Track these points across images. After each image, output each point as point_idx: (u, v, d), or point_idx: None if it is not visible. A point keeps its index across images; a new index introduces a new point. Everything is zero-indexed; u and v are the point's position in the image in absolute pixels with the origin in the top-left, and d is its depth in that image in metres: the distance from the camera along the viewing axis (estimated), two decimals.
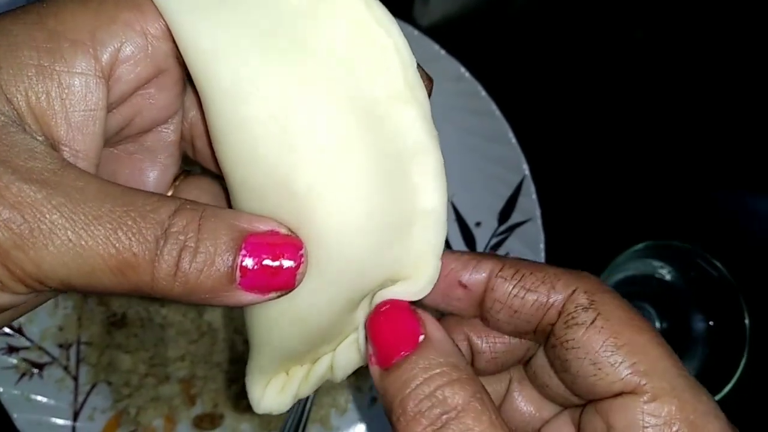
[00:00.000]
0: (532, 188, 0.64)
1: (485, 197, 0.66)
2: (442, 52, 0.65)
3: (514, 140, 0.65)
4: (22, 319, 0.60)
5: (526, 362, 0.31)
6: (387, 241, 0.26)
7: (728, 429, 0.25)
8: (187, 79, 0.28)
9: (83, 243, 0.22)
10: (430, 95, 0.27)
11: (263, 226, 0.24)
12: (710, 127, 0.70)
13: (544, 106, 0.70)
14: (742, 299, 0.55)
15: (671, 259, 0.61)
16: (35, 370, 0.59)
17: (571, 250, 0.66)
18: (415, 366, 0.25)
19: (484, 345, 0.30)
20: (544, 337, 0.28)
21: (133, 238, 0.22)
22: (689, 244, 0.58)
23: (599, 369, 0.25)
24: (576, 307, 0.26)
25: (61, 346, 0.60)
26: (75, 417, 0.58)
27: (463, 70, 0.65)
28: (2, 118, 0.23)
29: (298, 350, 0.29)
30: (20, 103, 0.23)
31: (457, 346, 0.26)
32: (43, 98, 0.23)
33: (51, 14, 0.24)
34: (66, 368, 0.60)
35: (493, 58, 0.70)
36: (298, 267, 0.24)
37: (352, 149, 0.25)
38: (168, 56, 0.26)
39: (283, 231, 0.25)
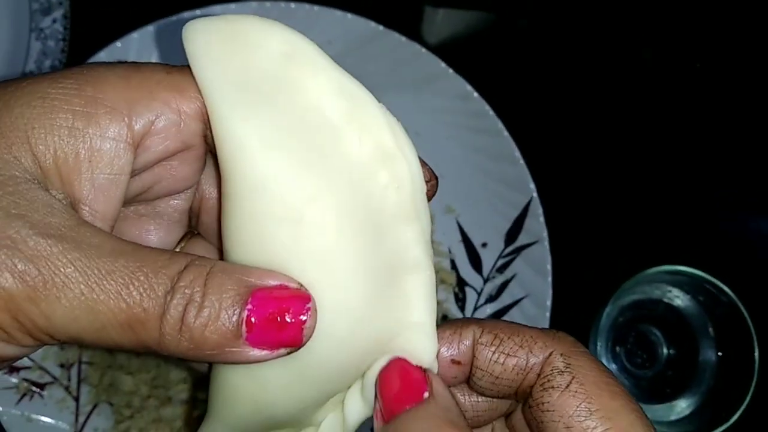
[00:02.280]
0: (540, 210, 0.63)
1: (492, 218, 0.65)
2: (450, 70, 0.65)
3: (521, 160, 0.64)
4: None
5: (507, 415, 0.31)
6: (368, 351, 0.27)
7: None
8: (209, 156, 0.29)
9: (95, 297, 0.22)
10: (435, 192, 0.29)
11: (273, 281, 0.24)
12: (723, 150, 0.69)
13: (552, 127, 0.69)
14: (753, 329, 0.55)
15: (681, 285, 0.60)
16: (36, 390, 0.58)
17: (579, 273, 0.65)
18: (415, 418, 0.25)
19: (467, 404, 0.30)
20: (524, 398, 0.28)
21: (144, 294, 0.23)
22: (700, 269, 0.57)
23: None
24: (552, 369, 0.26)
25: (62, 366, 0.59)
26: None
27: (470, 88, 0.65)
28: (26, 176, 0.24)
29: (251, 430, 0.29)
30: (48, 161, 0.24)
31: (458, 405, 0.26)
32: (71, 158, 0.24)
33: (90, 83, 0.25)
34: (67, 388, 0.59)
35: (501, 77, 0.69)
36: (305, 321, 0.24)
37: (354, 258, 0.25)
38: (196, 135, 0.27)
39: (293, 285, 0.25)
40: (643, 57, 0.70)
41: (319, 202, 0.25)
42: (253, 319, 0.23)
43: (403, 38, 0.64)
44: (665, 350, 0.63)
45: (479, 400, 0.30)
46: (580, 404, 0.25)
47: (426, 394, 0.26)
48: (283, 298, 0.24)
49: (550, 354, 0.27)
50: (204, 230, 0.31)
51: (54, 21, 0.67)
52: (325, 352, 0.26)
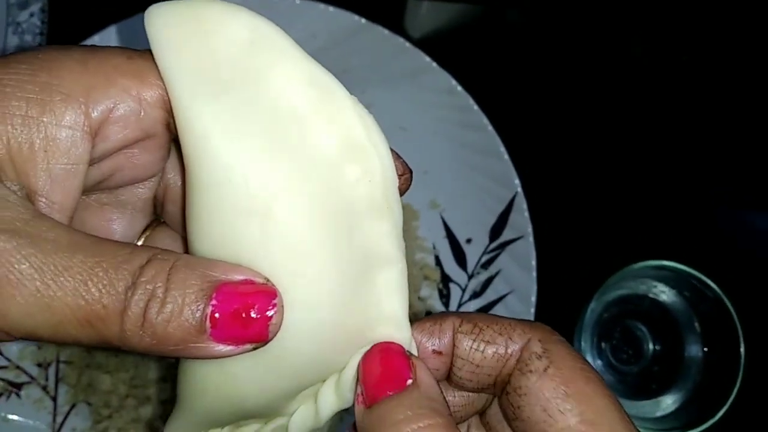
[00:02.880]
0: (525, 205, 0.63)
1: (476, 213, 0.64)
2: (434, 64, 0.64)
3: (506, 155, 0.63)
4: None
5: (481, 413, 0.31)
6: (340, 345, 0.26)
7: None
8: (173, 144, 0.28)
9: (52, 294, 0.22)
10: (409, 185, 0.28)
11: (238, 276, 0.24)
12: (708, 145, 0.69)
13: (537, 121, 0.68)
14: (739, 325, 0.54)
15: (666, 280, 0.60)
16: (13, 390, 0.57)
17: (564, 268, 0.64)
18: (398, 405, 0.25)
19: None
20: (501, 389, 0.28)
21: (103, 290, 0.22)
22: (686, 264, 0.57)
23: (549, 416, 0.26)
24: (531, 354, 0.27)
25: (39, 365, 0.58)
26: None
27: (454, 83, 0.64)
28: None
29: (221, 420, 0.29)
30: (0, 151, 0.23)
31: (443, 395, 0.26)
32: (25, 148, 0.23)
33: (45, 68, 0.24)
34: (45, 388, 0.58)
35: (486, 72, 0.68)
36: (271, 317, 0.24)
37: (324, 252, 0.25)
38: (158, 123, 0.26)
39: (260, 280, 0.24)
40: (632, 52, 0.70)
41: (288, 194, 0.24)
42: (217, 315, 0.23)
43: (387, 32, 0.64)
44: (651, 346, 0.62)
45: (455, 396, 0.30)
46: (557, 387, 0.26)
47: (409, 381, 0.25)
48: (249, 294, 0.24)
49: (529, 340, 0.27)
50: (169, 219, 0.31)
51: (31, 15, 0.66)
52: (296, 346, 0.25)
